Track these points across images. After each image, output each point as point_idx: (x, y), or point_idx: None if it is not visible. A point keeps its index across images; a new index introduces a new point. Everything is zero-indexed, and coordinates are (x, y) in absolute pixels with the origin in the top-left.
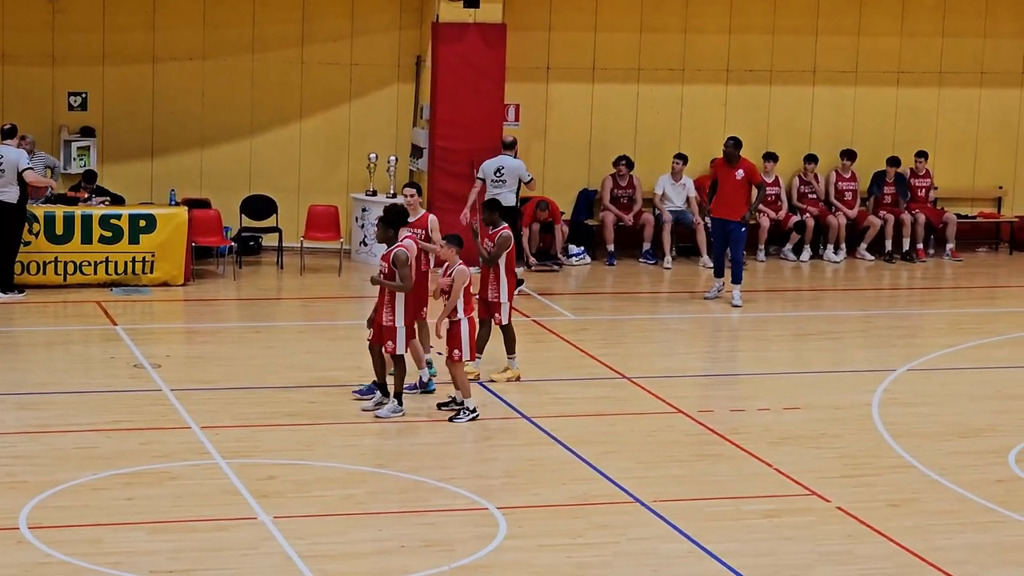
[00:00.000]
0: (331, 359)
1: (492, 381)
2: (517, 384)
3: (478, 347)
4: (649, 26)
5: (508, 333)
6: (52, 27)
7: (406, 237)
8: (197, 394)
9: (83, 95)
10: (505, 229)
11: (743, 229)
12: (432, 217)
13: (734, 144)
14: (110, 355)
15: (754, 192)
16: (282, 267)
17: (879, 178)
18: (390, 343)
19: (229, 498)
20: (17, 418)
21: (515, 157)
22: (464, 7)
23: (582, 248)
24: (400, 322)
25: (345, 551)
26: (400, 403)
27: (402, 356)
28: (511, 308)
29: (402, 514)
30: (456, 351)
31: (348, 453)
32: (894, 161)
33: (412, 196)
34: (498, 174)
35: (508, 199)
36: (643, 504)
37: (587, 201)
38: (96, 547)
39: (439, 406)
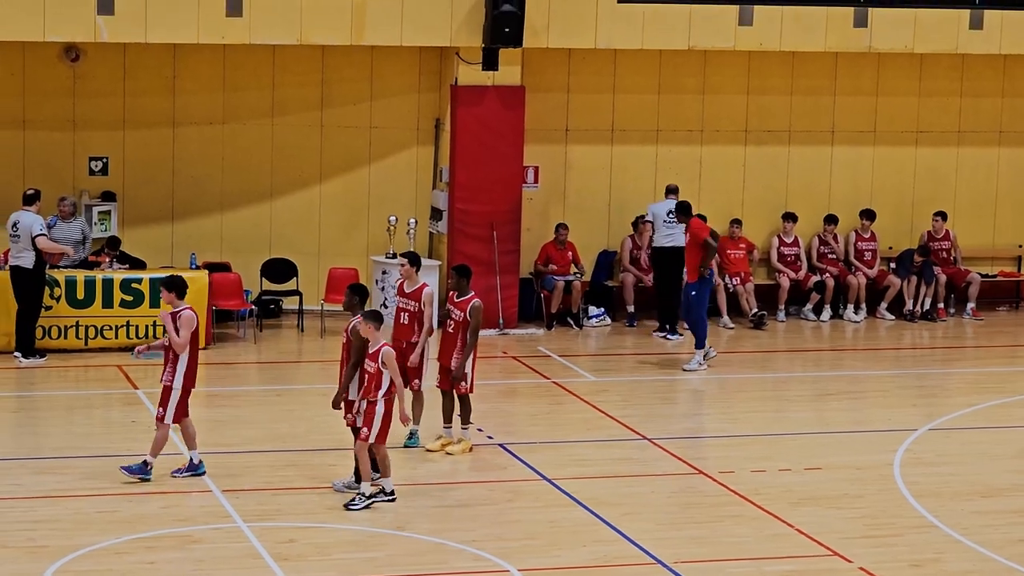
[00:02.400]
0: None
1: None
2: (538, 446)
3: (446, 416)
4: (667, 87)
5: (466, 403)
6: (73, 92)
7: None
8: (218, 457)
9: (104, 160)
10: (475, 298)
11: (692, 292)
12: (427, 290)
13: (678, 208)
14: (131, 419)
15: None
16: (303, 330)
17: (906, 261)
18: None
19: (250, 561)
20: (37, 482)
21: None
22: (483, 69)
23: (602, 309)
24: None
25: None
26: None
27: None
28: (473, 377)
29: None
30: (365, 430)
31: (368, 515)
32: (924, 251)
33: (404, 267)
34: (669, 215)
35: (680, 239)
36: (664, 565)
37: (607, 262)
38: None
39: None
